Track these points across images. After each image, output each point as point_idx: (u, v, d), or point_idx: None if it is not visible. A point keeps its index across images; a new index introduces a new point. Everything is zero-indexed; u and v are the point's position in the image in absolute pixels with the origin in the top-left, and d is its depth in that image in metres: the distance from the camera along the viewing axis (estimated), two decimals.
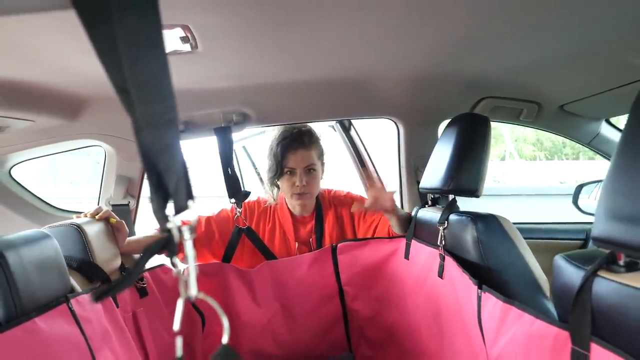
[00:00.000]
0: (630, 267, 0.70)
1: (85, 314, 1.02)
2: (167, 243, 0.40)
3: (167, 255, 0.42)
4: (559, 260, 0.82)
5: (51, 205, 1.86)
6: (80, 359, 0.94)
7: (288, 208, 1.79)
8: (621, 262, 0.71)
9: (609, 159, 2.01)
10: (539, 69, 1.52)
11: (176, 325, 0.43)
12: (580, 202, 2.04)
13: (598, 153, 2.05)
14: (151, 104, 0.36)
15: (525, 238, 1.26)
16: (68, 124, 1.54)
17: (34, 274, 0.90)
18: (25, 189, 1.81)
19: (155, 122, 0.36)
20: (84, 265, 1.21)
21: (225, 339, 0.45)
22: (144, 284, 1.46)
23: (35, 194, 1.83)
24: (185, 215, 0.41)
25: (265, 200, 1.82)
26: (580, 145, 2.04)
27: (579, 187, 2.05)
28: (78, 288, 1.10)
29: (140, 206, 1.78)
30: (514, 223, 1.30)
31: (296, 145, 1.67)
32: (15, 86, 1.26)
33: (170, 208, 0.39)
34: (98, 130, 1.61)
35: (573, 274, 0.76)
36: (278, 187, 1.76)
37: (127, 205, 1.70)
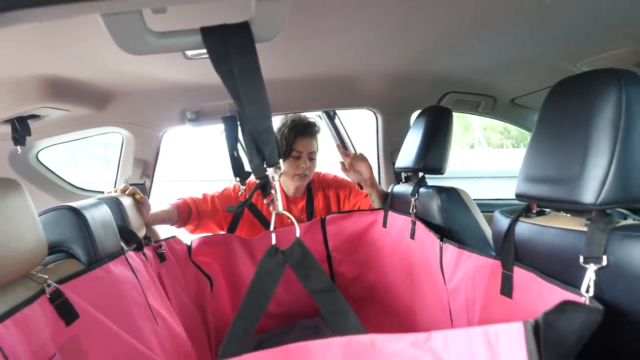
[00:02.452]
0: (539, 213, 1.02)
1: (135, 265, 1.29)
2: (264, 184, 0.69)
3: (263, 196, 0.71)
4: (497, 214, 1.14)
5: (75, 186, 2.10)
6: (138, 295, 1.21)
7: (282, 188, 2.07)
8: (534, 211, 1.03)
9: None
10: (494, 69, 1.85)
11: (280, 207, 0.70)
12: None
13: None
14: (255, 105, 0.64)
15: (483, 211, 1.59)
16: (96, 113, 1.78)
17: (101, 231, 1.17)
18: (51, 171, 2.05)
19: (256, 116, 0.65)
20: (123, 231, 1.47)
21: (297, 233, 0.72)
22: (162, 250, 1.72)
23: (60, 175, 2.07)
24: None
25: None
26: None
27: None
28: (124, 246, 1.37)
29: (153, 186, 2.03)
30: (475, 199, 1.63)
31: (306, 133, 1.95)
32: (60, 81, 1.50)
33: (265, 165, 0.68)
34: (120, 119, 1.86)
35: (504, 222, 1.08)
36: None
37: (143, 184, 1.96)
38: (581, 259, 0.81)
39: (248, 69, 0.64)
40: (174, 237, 1.86)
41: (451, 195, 1.54)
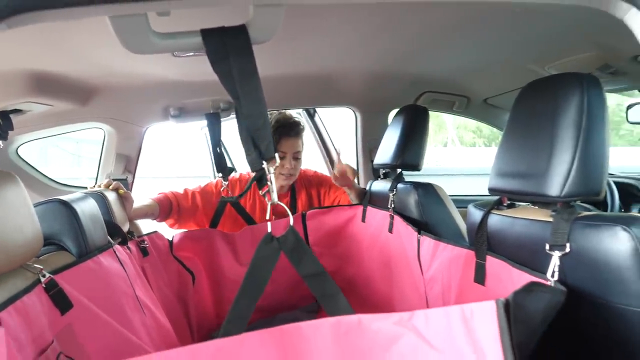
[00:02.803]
0: (510, 206, 1.10)
1: (123, 258, 1.32)
2: (261, 176, 0.73)
3: (259, 187, 0.76)
4: (470, 208, 1.22)
5: (55, 181, 2.10)
6: (126, 287, 1.24)
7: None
8: (505, 204, 1.11)
9: None
10: (468, 71, 1.94)
11: (274, 198, 0.75)
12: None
13: None
14: (252, 105, 0.69)
15: (458, 207, 1.67)
16: (79, 109, 1.79)
17: (90, 224, 1.20)
18: (32, 166, 2.04)
19: (253, 113, 0.69)
20: (109, 225, 1.49)
21: (291, 222, 0.77)
22: (145, 245, 1.74)
23: (40, 170, 2.06)
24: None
25: (247, 177, 2.14)
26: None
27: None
28: (110, 239, 1.40)
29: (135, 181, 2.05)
30: (451, 195, 1.71)
31: (291, 133, 1.98)
32: (44, 75, 1.51)
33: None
34: (103, 114, 1.87)
35: (477, 214, 1.16)
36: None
37: (125, 179, 1.98)
38: (547, 246, 0.88)
39: (246, 69, 0.68)
40: (155, 232, 1.88)
41: (428, 191, 1.62)
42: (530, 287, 0.71)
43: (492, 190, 1.08)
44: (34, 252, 0.86)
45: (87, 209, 1.22)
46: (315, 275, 0.73)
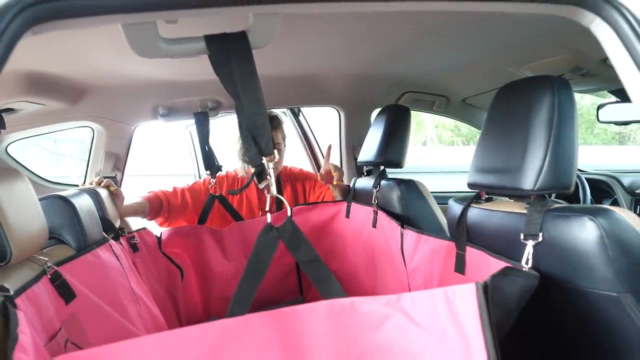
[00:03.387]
0: (488, 200, 1.18)
1: (118, 252, 1.36)
2: (261, 171, 0.79)
3: (258, 181, 0.81)
4: (451, 202, 1.29)
5: (46, 179, 2.11)
6: (122, 278, 1.28)
7: (254, 182, 2.16)
8: (483, 198, 1.18)
9: None
10: (447, 72, 2.02)
11: (274, 191, 0.81)
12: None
13: None
14: (252, 104, 0.75)
15: (439, 203, 1.74)
16: (70, 108, 1.81)
17: (87, 219, 1.23)
18: (21, 164, 2.05)
19: (254, 113, 0.75)
20: (102, 221, 1.52)
21: (289, 213, 0.82)
22: (135, 240, 1.77)
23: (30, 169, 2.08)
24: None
25: (234, 175, 2.18)
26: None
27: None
28: (104, 235, 1.43)
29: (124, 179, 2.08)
30: (432, 192, 1.78)
31: None
32: (38, 75, 1.53)
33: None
34: (93, 113, 1.90)
35: (457, 208, 1.23)
36: (248, 162, 2.13)
37: (115, 177, 2.00)
38: (522, 236, 0.96)
39: (246, 71, 0.74)
40: (144, 228, 1.91)
41: (410, 187, 1.69)
42: (506, 272, 0.79)
43: (471, 185, 1.16)
44: (41, 244, 0.89)
45: (84, 204, 1.26)
46: (311, 262, 0.79)
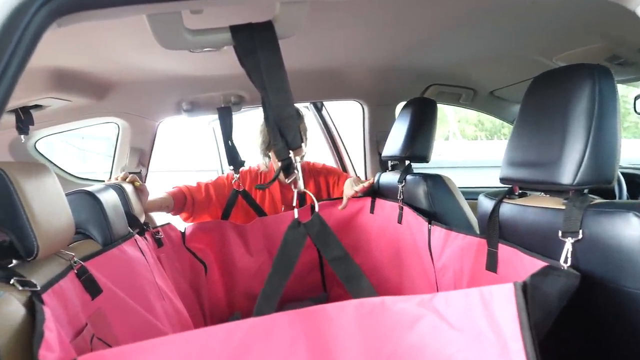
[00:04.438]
0: (521, 195, 1.13)
1: (143, 247, 1.36)
2: (288, 165, 0.77)
3: (285, 176, 0.79)
4: (481, 197, 1.25)
5: (73, 175, 2.13)
6: (147, 273, 1.28)
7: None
8: (516, 193, 1.14)
9: None
10: (474, 63, 1.96)
11: (301, 186, 0.78)
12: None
13: None
14: (279, 94, 0.72)
15: (466, 199, 1.69)
16: (95, 104, 1.82)
17: (113, 214, 1.23)
18: (50, 160, 2.07)
19: (280, 104, 0.72)
20: (128, 216, 1.52)
21: (317, 208, 0.80)
22: (160, 235, 1.78)
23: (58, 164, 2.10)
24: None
25: (256, 170, 2.17)
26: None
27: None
28: (130, 230, 1.43)
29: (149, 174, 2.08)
30: (460, 187, 1.74)
31: None
32: (64, 72, 1.54)
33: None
34: (118, 109, 1.90)
35: (489, 203, 1.19)
36: (269, 157, 2.12)
37: (139, 173, 2.01)
38: (560, 233, 0.91)
39: (273, 62, 0.71)
40: (168, 224, 1.92)
41: (437, 182, 1.65)
42: (546, 271, 0.75)
43: (504, 180, 1.11)
44: (68, 239, 0.89)
45: (110, 199, 1.25)
46: (339, 259, 0.77)
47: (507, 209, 1.12)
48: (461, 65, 2.01)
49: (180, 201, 1.99)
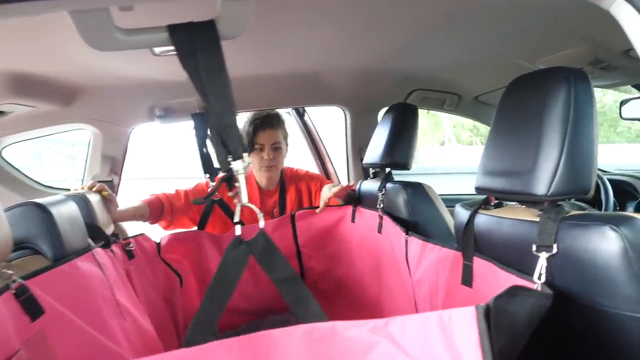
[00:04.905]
0: (497, 206, 1.07)
1: (103, 262, 1.29)
2: (229, 177, 0.70)
3: (228, 188, 0.72)
4: (457, 207, 1.19)
5: (40, 183, 2.06)
6: (105, 291, 1.21)
7: (256, 182, 2.09)
8: (492, 203, 1.08)
9: None
10: (457, 68, 1.91)
11: (244, 199, 0.72)
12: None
13: None
14: (220, 100, 0.66)
15: (449, 206, 1.63)
16: (62, 110, 1.75)
17: (67, 227, 1.16)
18: (16, 168, 2.00)
19: (221, 111, 0.66)
20: (91, 228, 1.45)
21: (261, 224, 0.73)
22: (131, 247, 1.70)
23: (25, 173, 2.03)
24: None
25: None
26: None
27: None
28: (91, 243, 1.36)
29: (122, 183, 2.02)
30: (443, 194, 1.68)
31: (265, 125, 1.98)
32: (25, 76, 1.47)
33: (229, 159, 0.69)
34: (87, 115, 1.83)
35: (464, 214, 1.13)
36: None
37: (111, 181, 1.94)
38: (534, 247, 0.85)
39: (214, 65, 0.65)
40: (142, 234, 1.85)
41: (417, 190, 1.59)
42: (513, 291, 0.69)
43: (479, 190, 1.05)
44: (2, 257, 0.82)
45: (65, 211, 1.19)
46: (286, 280, 0.70)
47: (483, 220, 1.06)
48: (444, 70, 1.96)
49: (157, 209, 1.92)
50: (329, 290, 2.08)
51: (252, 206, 0.79)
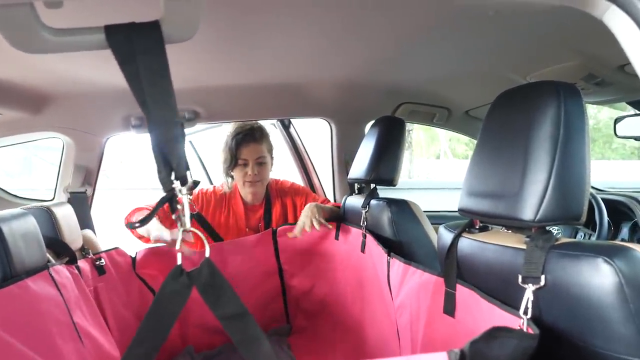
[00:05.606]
0: (482, 229, 0.99)
1: (61, 281, 1.20)
2: (171, 198, 0.62)
3: (171, 211, 0.64)
4: (441, 229, 1.11)
5: (8, 193, 1.97)
6: (61, 315, 1.12)
7: (241, 197, 2.01)
8: (477, 227, 1.00)
9: None
10: (447, 80, 1.84)
11: (187, 224, 0.63)
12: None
13: None
14: (162, 111, 0.58)
15: (434, 223, 1.55)
16: (31, 117, 1.67)
17: (21, 244, 1.07)
18: None
19: (163, 122, 0.58)
20: (54, 243, 1.37)
21: (207, 253, 0.64)
22: (102, 263, 1.62)
23: None
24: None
25: (220, 191, 2.03)
26: None
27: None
28: (52, 260, 1.27)
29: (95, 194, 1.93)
30: (426, 211, 1.60)
31: (248, 139, 1.89)
32: None
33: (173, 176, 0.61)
34: (59, 124, 1.75)
35: (448, 237, 1.05)
36: (232, 177, 1.98)
37: (84, 192, 1.85)
38: (520, 278, 0.77)
39: (155, 70, 0.57)
40: (116, 248, 1.76)
41: (401, 208, 1.51)
42: (493, 333, 0.60)
43: (463, 211, 0.97)
44: None
45: (18, 227, 1.10)
46: (234, 317, 0.60)
47: (466, 244, 0.98)
48: (433, 83, 1.89)
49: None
50: (312, 310, 1.99)
51: (197, 232, 0.70)
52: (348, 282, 1.78)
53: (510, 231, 0.92)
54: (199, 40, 1.30)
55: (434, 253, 1.48)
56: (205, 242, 0.67)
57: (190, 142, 3.26)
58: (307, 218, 1.79)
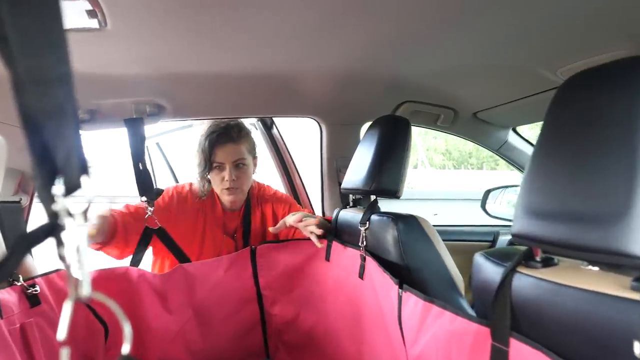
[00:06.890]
0: (546, 263, 0.71)
1: None
2: (52, 229, 0.32)
3: (56, 245, 0.34)
4: (479, 258, 0.83)
5: None
6: None
7: (219, 201, 1.73)
8: (538, 258, 0.72)
9: (514, 166, 2.15)
10: (455, 76, 1.57)
11: (61, 334, 0.34)
12: (487, 207, 2.16)
13: (505, 160, 2.17)
14: (37, 55, 0.29)
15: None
16: None
17: None
18: None
19: (42, 78, 0.29)
20: None
21: (126, 349, 0.36)
22: (35, 290, 1.30)
23: None
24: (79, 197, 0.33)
25: (187, 191, 1.74)
26: (484, 156, 2.19)
27: (487, 193, 2.17)
28: None
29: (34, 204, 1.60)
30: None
31: (224, 140, 1.62)
32: None
33: (59, 186, 0.31)
34: None
35: (493, 271, 0.77)
36: (209, 181, 1.70)
37: (19, 202, 1.51)
38: (636, 346, 0.50)
39: None
40: (57, 270, 1.43)
41: (410, 225, 1.23)
42: None
43: (519, 237, 0.70)
44: None
45: None
46: None
47: (527, 284, 0.70)
48: (441, 79, 1.62)
49: (110, 231, 1.53)
50: (296, 344, 1.69)
51: (110, 302, 0.40)
52: (341, 313, 1.49)
53: (597, 268, 0.65)
54: (163, 14, 1.01)
55: (450, 281, 1.21)
56: (127, 329, 0.37)
57: (158, 144, 2.94)
58: (290, 218, 1.56)
